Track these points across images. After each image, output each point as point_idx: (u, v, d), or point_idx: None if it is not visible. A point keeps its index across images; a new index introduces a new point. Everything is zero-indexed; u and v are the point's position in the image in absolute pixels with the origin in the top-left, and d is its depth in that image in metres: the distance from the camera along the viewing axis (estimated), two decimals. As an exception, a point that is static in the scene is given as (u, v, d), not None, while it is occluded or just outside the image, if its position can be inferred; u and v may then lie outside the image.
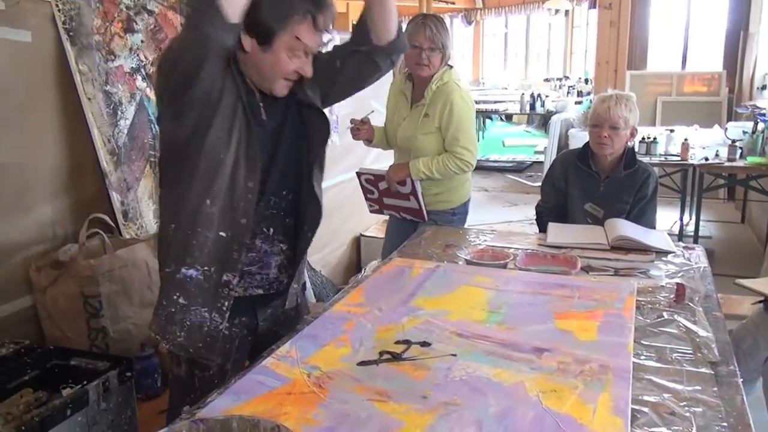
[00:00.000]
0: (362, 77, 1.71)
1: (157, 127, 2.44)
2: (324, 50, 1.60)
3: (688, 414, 1.20)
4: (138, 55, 2.35)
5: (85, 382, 1.72)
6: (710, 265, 2.05)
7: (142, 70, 2.36)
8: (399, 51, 1.70)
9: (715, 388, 1.29)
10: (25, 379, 1.78)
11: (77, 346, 1.98)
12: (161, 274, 1.52)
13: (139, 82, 2.34)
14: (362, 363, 1.37)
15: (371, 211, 2.93)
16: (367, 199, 2.85)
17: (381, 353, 1.41)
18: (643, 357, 1.42)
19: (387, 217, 2.99)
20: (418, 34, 2.48)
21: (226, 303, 1.54)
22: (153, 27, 2.41)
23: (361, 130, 2.67)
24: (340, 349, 1.44)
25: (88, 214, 2.19)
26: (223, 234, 1.50)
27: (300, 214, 1.69)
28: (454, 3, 14.42)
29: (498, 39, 15.61)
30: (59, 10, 2.10)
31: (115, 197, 2.24)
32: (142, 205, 2.36)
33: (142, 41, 2.37)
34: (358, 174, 2.80)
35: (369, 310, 1.66)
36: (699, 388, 1.29)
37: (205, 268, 1.49)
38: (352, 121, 2.71)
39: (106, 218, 2.20)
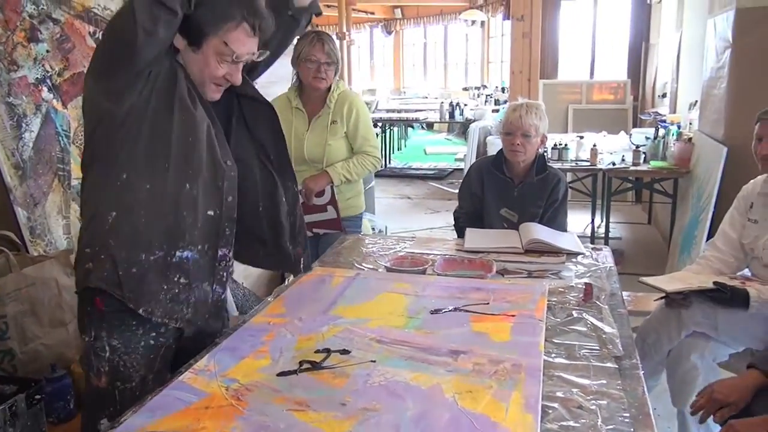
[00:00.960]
0: (288, 38, 1.79)
1: (65, 140, 2.35)
2: (257, 60, 1.61)
3: (594, 407, 1.26)
4: (43, 65, 2.26)
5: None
6: (620, 264, 2.17)
7: (48, 80, 2.27)
8: (316, 10, 1.78)
9: (619, 381, 1.37)
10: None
11: (-18, 370, 1.88)
12: (143, 261, 1.48)
13: (45, 94, 2.24)
14: (282, 374, 1.37)
15: None
16: None
17: (301, 363, 1.41)
18: (553, 355, 1.49)
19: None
20: (316, 50, 2.60)
21: (225, 274, 1.64)
22: (59, 36, 2.33)
23: None
24: (259, 361, 1.43)
25: (-9, 231, 2.09)
26: (211, 213, 1.55)
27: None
28: (373, 13, 14.58)
29: (417, 49, 15.87)
30: (-45, 19, 2.00)
31: (21, 213, 2.13)
32: (50, 221, 2.26)
33: (47, 51, 2.28)
34: None
35: (289, 321, 1.66)
36: (604, 381, 1.36)
37: (199, 246, 1.54)
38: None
39: (11, 235, 2.09)
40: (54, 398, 1.90)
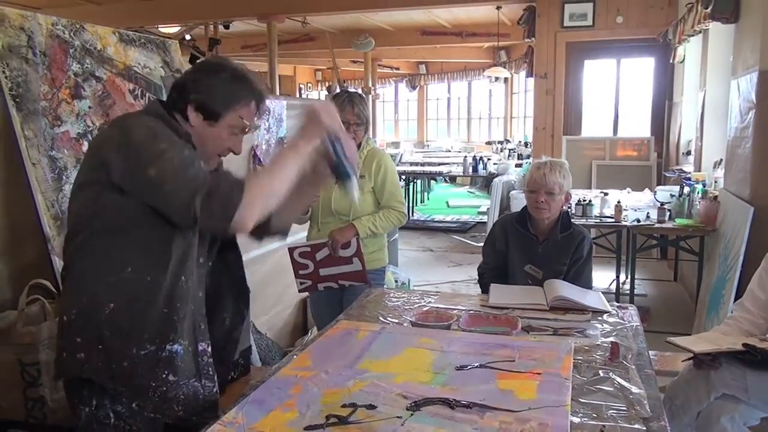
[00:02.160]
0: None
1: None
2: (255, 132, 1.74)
3: (622, 469, 1.25)
4: (85, 120, 2.37)
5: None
6: (646, 321, 2.16)
7: (89, 135, 2.37)
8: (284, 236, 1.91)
9: (647, 443, 1.36)
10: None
11: (13, 417, 1.91)
12: (134, 356, 1.50)
13: (85, 147, 2.34)
14: (309, 428, 1.38)
15: (300, 290, 2.91)
16: (298, 276, 2.82)
17: (327, 417, 1.43)
18: (580, 415, 1.48)
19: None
20: (346, 111, 2.70)
21: (210, 369, 1.65)
22: (101, 93, 2.44)
23: None
24: (286, 414, 1.45)
25: (28, 279, 2.15)
26: (193, 307, 1.61)
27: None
28: (398, 68, 14.92)
29: (441, 103, 16.15)
30: (6, 77, 2.11)
31: (58, 262, 2.20)
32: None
33: (89, 107, 2.39)
34: (290, 250, 2.80)
35: (316, 374, 1.68)
36: (633, 443, 1.35)
37: (186, 342, 1.58)
38: None
39: (48, 283, 2.16)
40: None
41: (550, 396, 1.54)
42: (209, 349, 1.66)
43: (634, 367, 1.78)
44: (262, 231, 1.75)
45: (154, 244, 1.53)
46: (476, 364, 1.73)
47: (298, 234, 3.86)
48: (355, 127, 2.72)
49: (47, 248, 2.16)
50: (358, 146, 2.79)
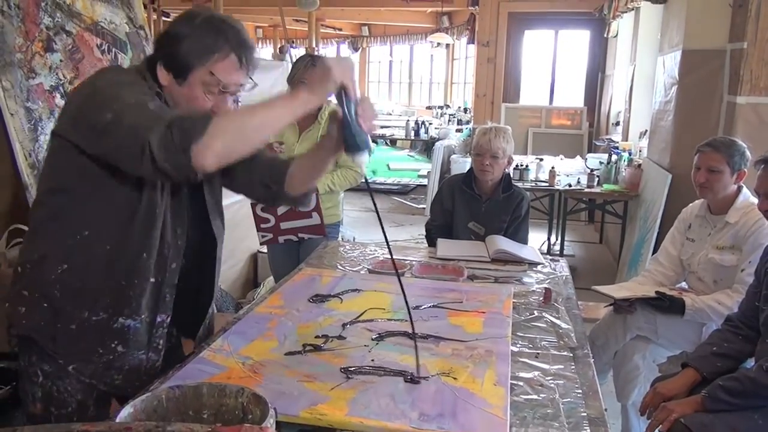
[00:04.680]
0: (249, 195, 1.78)
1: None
2: (244, 92, 1.53)
3: (552, 385, 1.52)
4: (57, 73, 2.44)
5: (13, 384, 1.80)
6: (573, 279, 2.44)
7: (61, 88, 2.45)
8: (301, 205, 1.75)
9: (573, 366, 1.63)
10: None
11: (-1, 351, 2.02)
12: (84, 320, 1.45)
13: (58, 100, 2.42)
14: (289, 353, 1.59)
15: (262, 243, 3.09)
16: (260, 229, 2.98)
17: (304, 345, 1.64)
18: (518, 345, 1.74)
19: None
20: (309, 73, 2.80)
21: (161, 341, 1.58)
22: (71, 47, 2.51)
23: (276, 153, 2.86)
24: (267, 343, 1.65)
25: (8, 225, 2.25)
26: (153, 280, 1.51)
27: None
28: (341, 29, 14.88)
29: (383, 66, 16.23)
30: (-17, 28, 2.18)
31: (34, 209, 2.30)
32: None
33: (60, 60, 2.46)
34: (253, 204, 2.92)
35: (288, 311, 1.88)
36: (561, 366, 1.62)
37: (142, 316, 1.51)
38: (274, 144, 2.89)
39: (26, 228, 2.26)
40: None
41: (494, 330, 1.79)
42: (167, 320, 1.58)
43: (563, 308, 2.06)
44: (274, 196, 1.68)
45: (115, 212, 1.44)
46: (429, 305, 1.97)
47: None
48: None
49: (26, 195, 2.25)
50: (319, 108, 2.94)
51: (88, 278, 1.45)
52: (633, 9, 5.47)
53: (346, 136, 1.42)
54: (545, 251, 5.16)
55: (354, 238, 5.28)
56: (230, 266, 4.05)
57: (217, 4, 8.10)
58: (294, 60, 3.58)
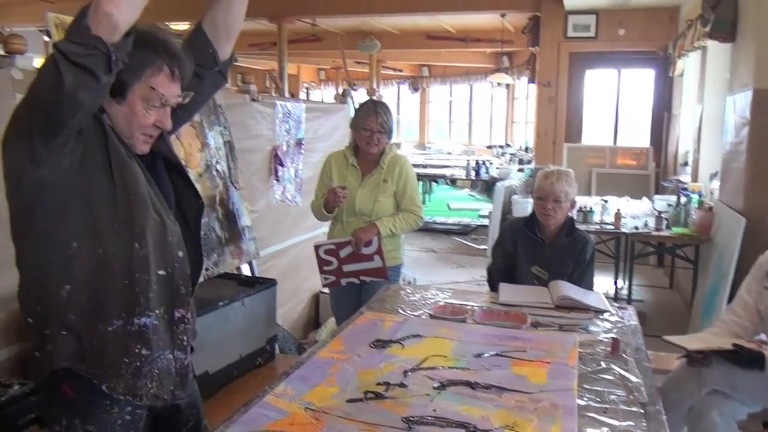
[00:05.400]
0: (213, 91, 1.78)
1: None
2: (183, 103, 1.54)
3: (622, 442, 1.46)
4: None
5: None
6: (642, 325, 2.36)
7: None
8: (233, 62, 1.76)
9: (644, 423, 1.56)
10: (32, 417, 1.91)
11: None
12: (102, 333, 1.42)
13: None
14: (351, 400, 1.59)
15: (325, 285, 3.11)
16: (322, 272, 3.01)
17: (366, 392, 1.63)
18: (585, 398, 1.69)
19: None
20: (371, 120, 2.92)
21: (185, 338, 1.54)
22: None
23: (340, 196, 2.89)
24: (329, 389, 1.66)
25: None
26: (162, 272, 1.48)
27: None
28: (401, 71, 15.12)
29: (443, 106, 16.35)
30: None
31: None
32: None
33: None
34: (316, 247, 3.00)
35: (350, 356, 1.88)
36: (632, 423, 1.56)
37: (156, 311, 1.47)
38: (338, 188, 2.90)
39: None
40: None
41: (559, 381, 1.74)
42: (188, 315, 1.55)
43: (632, 360, 1.98)
44: (207, 59, 1.63)
45: (95, 215, 1.39)
46: (492, 353, 1.93)
47: (315, 231, 4.07)
48: (378, 135, 2.93)
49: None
50: (381, 153, 2.99)
51: (93, 289, 1.41)
52: (699, 48, 5.35)
53: None
54: (612, 296, 5.00)
55: (415, 279, 5.28)
56: (292, 306, 4.10)
57: (281, 49, 8.43)
58: (356, 104, 3.65)
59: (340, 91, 8.53)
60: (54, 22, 2.36)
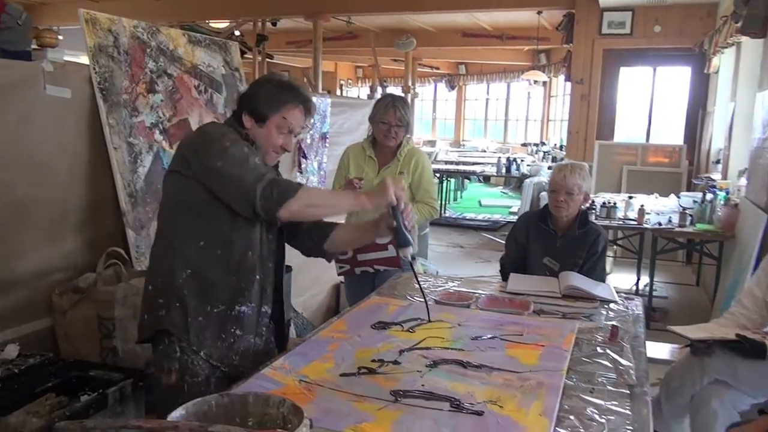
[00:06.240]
0: (295, 244, 2.11)
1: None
2: (304, 131, 2.00)
3: (603, 420, 1.51)
4: (157, 112, 2.69)
5: (101, 390, 1.99)
6: (662, 321, 2.38)
7: (160, 125, 2.70)
8: (328, 258, 2.15)
9: (629, 403, 1.61)
10: (48, 386, 2.06)
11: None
12: (208, 312, 1.83)
13: (157, 136, 2.67)
14: (344, 375, 1.67)
15: (340, 274, 3.20)
16: (337, 261, 3.05)
17: (359, 368, 1.71)
18: (575, 379, 1.73)
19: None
20: (389, 115, 2.99)
21: (264, 329, 1.96)
22: (171, 88, 2.77)
23: (356, 187, 2.98)
24: (325, 364, 1.74)
25: (106, 247, 2.50)
26: (258, 277, 1.91)
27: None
28: (438, 68, 15.14)
29: (479, 104, 16.31)
30: (96, 72, 2.46)
31: (131, 234, 2.54)
32: (152, 242, 2.65)
33: (161, 100, 2.72)
34: None
35: (350, 336, 1.97)
36: (616, 402, 1.60)
37: (252, 304, 1.90)
38: (355, 180, 3.02)
39: (122, 251, 2.50)
40: (147, 391, 2.24)
41: (550, 363, 1.79)
42: (269, 311, 1.97)
43: (628, 346, 2.02)
44: (311, 249, 2.07)
45: (220, 225, 1.83)
46: (489, 336, 2.00)
47: (341, 220, 4.16)
48: (396, 129, 3.00)
49: (123, 221, 2.49)
50: (399, 145, 3.07)
51: (208, 278, 1.83)
52: (734, 44, 5.28)
53: (397, 235, 1.86)
54: (634, 292, 4.97)
55: (437, 272, 5.33)
56: (312, 295, 4.21)
57: (316, 46, 8.56)
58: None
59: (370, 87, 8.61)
60: (85, 17, 2.50)
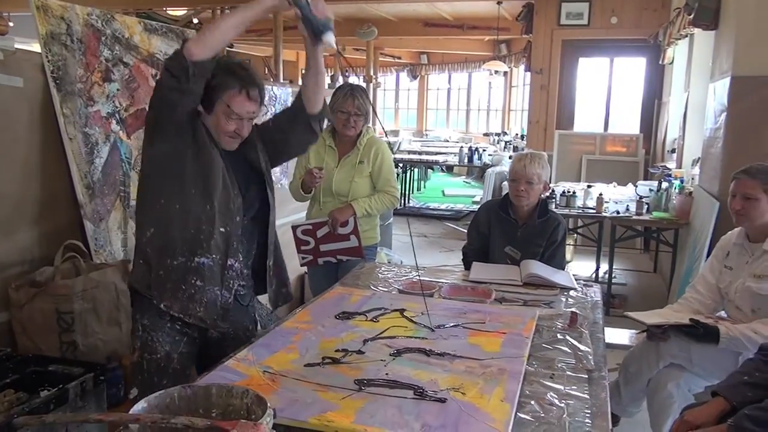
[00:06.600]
0: (303, 144, 2.18)
1: (127, 165, 2.71)
2: (261, 118, 2.01)
3: (562, 404, 1.54)
4: (113, 101, 2.63)
5: (60, 386, 1.95)
6: (621, 308, 2.44)
7: (117, 114, 2.64)
8: (325, 117, 2.16)
9: (587, 387, 1.65)
10: (6, 382, 2.00)
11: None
12: (168, 265, 1.87)
13: (114, 126, 2.62)
14: (308, 365, 1.67)
15: (303, 264, 3.17)
16: (300, 251, 3.09)
17: (323, 358, 1.72)
18: (536, 365, 1.77)
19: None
20: (348, 104, 2.98)
21: (231, 282, 1.97)
22: (127, 77, 2.71)
23: (316, 177, 2.97)
24: (289, 355, 1.74)
25: (63, 240, 2.44)
26: (223, 229, 1.92)
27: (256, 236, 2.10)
28: (400, 58, 15.13)
29: (441, 93, 16.37)
30: (48, 61, 2.39)
31: (89, 226, 2.49)
32: (111, 234, 2.61)
33: (117, 89, 2.66)
34: (294, 228, 3.06)
35: (314, 327, 1.97)
36: (575, 387, 1.65)
37: (213, 256, 1.91)
38: (314, 169, 2.97)
39: (80, 244, 2.45)
40: (108, 385, 2.21)
41: (511, 350, 1.83)
42: (236, 265, 1.97)
43: (587, 332, 2.07)
44: (304, 119, 2.05)
45: (177, 181, 1.86)
46: (451, 324, 2.02)
47: (299, 213, 4.14)
48: (355, 118, 3.00)
49: (80, 213, 2.44)
50: (358, 135, 3.07)
51: (168, 234, 1.87)
52: (687, 36, 5.40)
53: (307, 26, 1.76)
54: (593, 280, 5.08)
55: (401, 262, 5.35)
56: (277, 286, 4.18)
57: (277, 35, 8.47)
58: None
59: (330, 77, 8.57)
60: (36, 4, 2.43)
